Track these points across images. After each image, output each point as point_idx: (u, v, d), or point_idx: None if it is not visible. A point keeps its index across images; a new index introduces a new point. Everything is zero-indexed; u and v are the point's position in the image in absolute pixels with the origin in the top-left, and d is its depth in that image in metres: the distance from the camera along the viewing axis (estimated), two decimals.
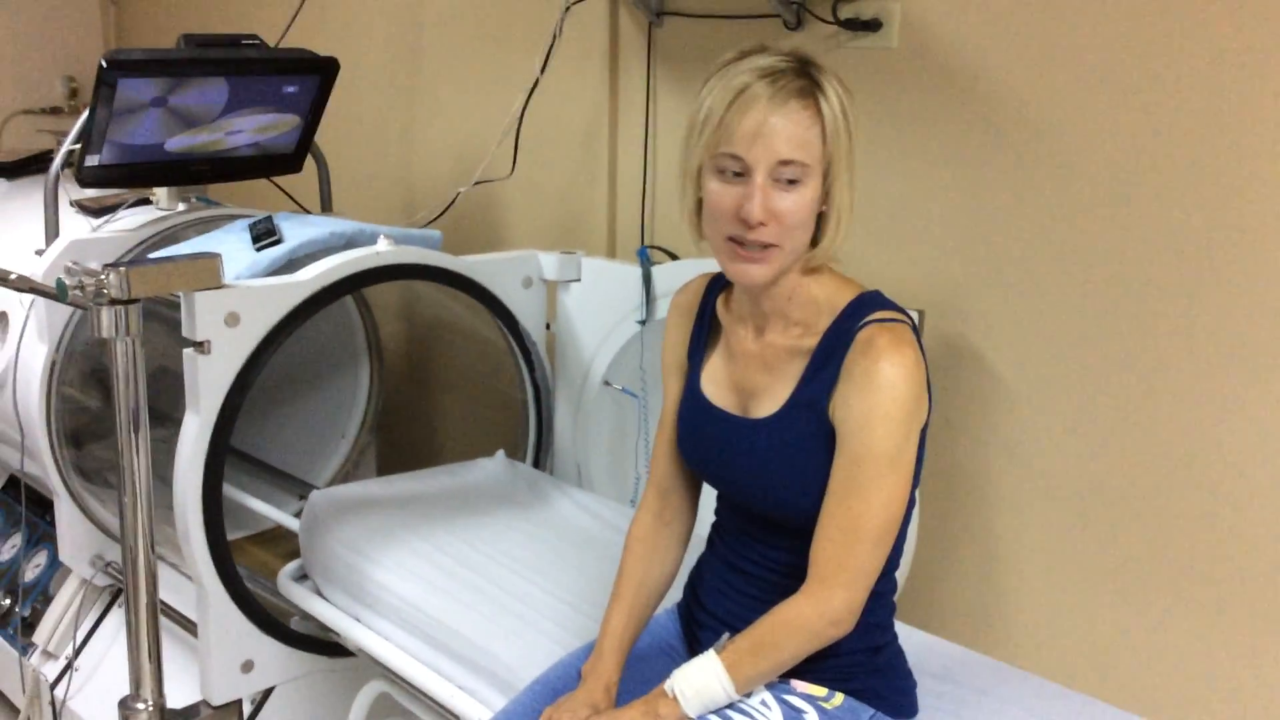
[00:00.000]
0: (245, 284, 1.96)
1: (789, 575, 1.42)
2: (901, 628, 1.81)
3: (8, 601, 2.65)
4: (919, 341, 1.40)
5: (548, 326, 2.38)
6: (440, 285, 2.25)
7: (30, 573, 2.67)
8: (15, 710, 2.58)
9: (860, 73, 2.03)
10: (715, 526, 1.58)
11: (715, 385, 1.51)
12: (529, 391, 2.39)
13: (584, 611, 1.76)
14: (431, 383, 2.91)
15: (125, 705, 1.95)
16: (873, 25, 2.00)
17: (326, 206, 2.73)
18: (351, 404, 2.81)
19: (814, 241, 1.41)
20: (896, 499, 1.35)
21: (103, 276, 1.80)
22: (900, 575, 1.88)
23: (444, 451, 2.90)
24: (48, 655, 2.51)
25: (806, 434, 1.39)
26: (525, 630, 1.73)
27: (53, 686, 2.45)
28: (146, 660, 1.94)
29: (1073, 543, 1.90)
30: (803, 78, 1.35)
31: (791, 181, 1.35)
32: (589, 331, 2.31)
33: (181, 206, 2.58)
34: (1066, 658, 1.92)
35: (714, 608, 1.54)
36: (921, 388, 1.37)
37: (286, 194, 2.76)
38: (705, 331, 1.55)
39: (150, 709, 1.95)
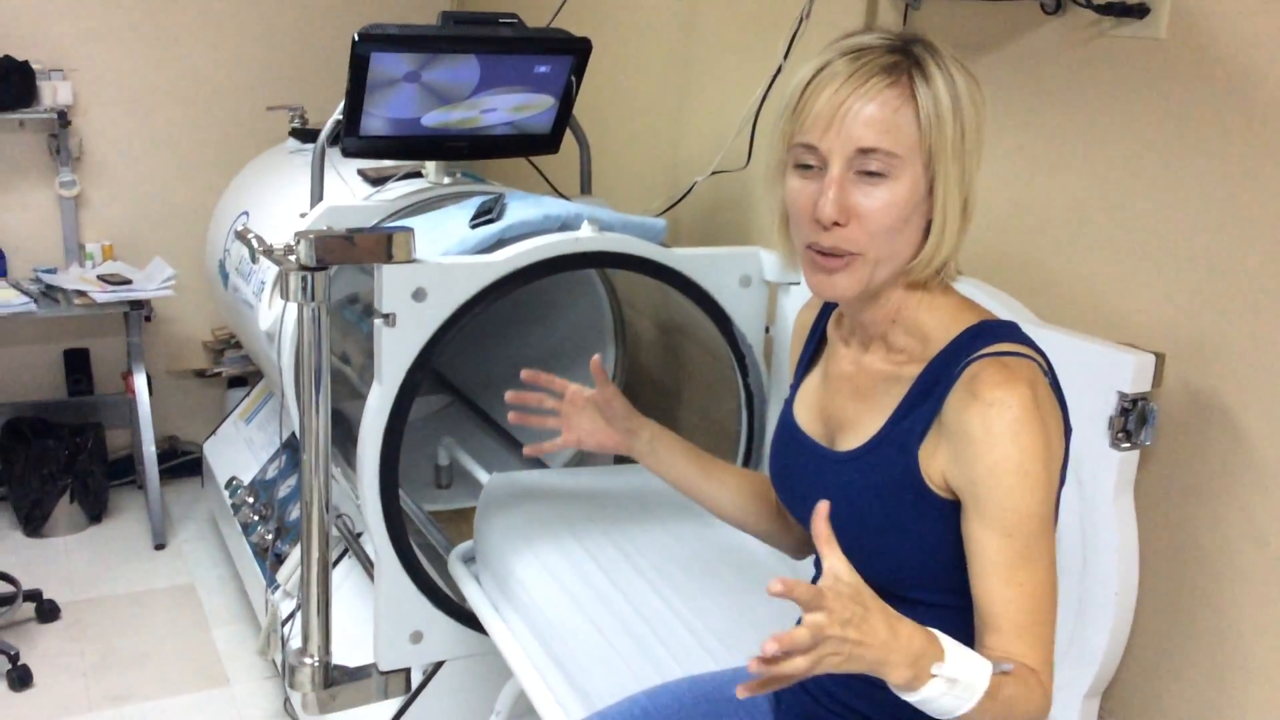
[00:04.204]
0: (435, 261, 1.96)
1: None
2: None
3: (271, 536, 2.86)
4: (1057, 386, 1.15)
5: (766, 330, 2.23)
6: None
7: (294, 512, 2.86)
8: None
9: (1121, 66, 1.73)
10: (814, 577, 1.39)
11: (806, 410, 1.31)
12: (741, 397, 2.25)
13: (705, 645, 1.62)
14: (670, 377, 2.82)
15: (293, 658, 2.03)
16: (1138, 11, 1.69)
17: (585, 189, 2.71)
18: None
19: None
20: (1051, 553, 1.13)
21: (293, 243, 1.87)
22: (1103, 665, 1.59)
23: None
24: (286, 593, 2.67)
25: (892, 479, 1.18)
26: (635, 655, 1.61)
27: (283, 624, 2.61)
28: (315, 616, 2.00)
29: None
30: (895, 54, 1.13)
31: (877, 175, 1.13)
32: None
33: (446, 180, 2.65)
34: None
35: None
36: (1050, 425, 1.10)
37: (542, 175, 2.76)
38: (814, 349, 1.35)
39: (315, 664, 2.01)
